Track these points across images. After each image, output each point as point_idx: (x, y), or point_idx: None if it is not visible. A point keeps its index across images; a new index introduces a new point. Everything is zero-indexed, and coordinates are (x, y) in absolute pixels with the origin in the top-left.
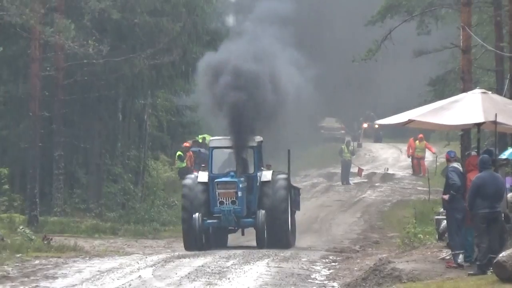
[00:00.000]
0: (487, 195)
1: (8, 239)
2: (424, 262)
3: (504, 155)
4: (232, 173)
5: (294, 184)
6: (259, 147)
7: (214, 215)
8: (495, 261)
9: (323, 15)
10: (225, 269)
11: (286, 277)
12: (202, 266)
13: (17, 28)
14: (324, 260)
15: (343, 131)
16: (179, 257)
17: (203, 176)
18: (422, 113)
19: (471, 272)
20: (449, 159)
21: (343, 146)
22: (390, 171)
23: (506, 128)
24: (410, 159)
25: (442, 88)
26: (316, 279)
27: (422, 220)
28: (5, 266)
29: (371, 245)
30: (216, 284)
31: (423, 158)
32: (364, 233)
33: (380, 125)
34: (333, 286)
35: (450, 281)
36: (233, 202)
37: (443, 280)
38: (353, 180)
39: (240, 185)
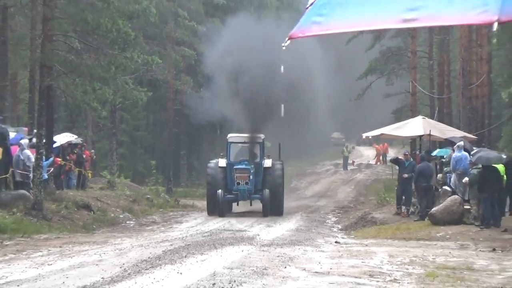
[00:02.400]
0: (425, 175)
1: (155, 201)
2: (389, 214)
3: (433, 153)
4: (245, 162)
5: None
6: (263, 143)
7: (233, 192)
8: (429, 213)
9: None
10: (276, 219)
11: (311, 222)
12: (257, 220)
13: (160, 81)
14: (333, 213)
15: (343, 140)
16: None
17: (222, 163)
18: (388, 129)
19: (416, 219)
20: (405, 155)
21: (344, 148)
22: (370, 162)
23: (435, 138)
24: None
25: (400, 115)
26: (329, 223)
27: (388, 189)
28: (154, 216)
29: (360, 204)
30: (273, 226)
31: (381, 155)
32: (355, 197)
33: (367, 136)
34: (338, 226)
35: (404, 224)
36: (246, 183)
37: (400, 223)
38: (350, 167)
39: (252, 171)
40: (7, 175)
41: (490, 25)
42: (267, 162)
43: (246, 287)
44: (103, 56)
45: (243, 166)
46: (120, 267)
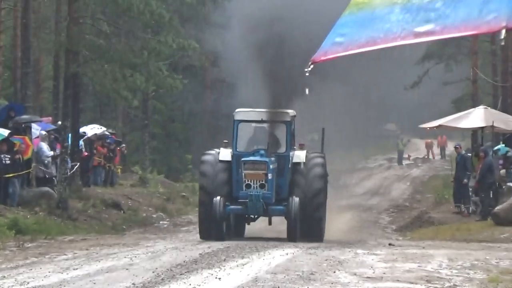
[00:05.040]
0: (492, 171)
1: (191, 199)
2: (448, 213)
3: (497, 148)
4: (261, 151)
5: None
6: (292, 123)
7: (239, 200)
8: (492, 212)
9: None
10: (328, 216)
11: (363, 222)
12: None
13: (197, 68)
14: (386, 212)
15: (398, 132)
16: None
17: (225, 154)
18: (447, 120)
19: (477, 219)
20: (456, 149)
21: (398, 141)
22: (426, 157)
23: (499, 130)
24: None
25: (460, 104)
26: (382, 223)
27: (447, 186)
28: (189, 215)
29: (416, 202)
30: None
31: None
32: (411, 195)
33: (423, 127)
34: (392, 227)
35: (464, 224)
36: (261, 186)
37: (460, 224)
38: (405, 162)
39: (271, 166)
40: (29, 171)
41: (498, 31)
42: (299, 155)
43: None
44: (134, 40)
45: (257, 158)
46: (153, 272)
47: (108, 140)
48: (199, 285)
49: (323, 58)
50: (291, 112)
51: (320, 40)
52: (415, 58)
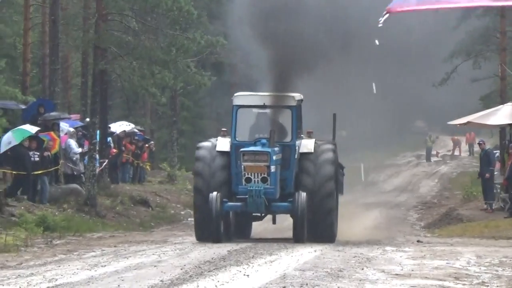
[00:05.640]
0: None
1: None
2: (477, 210)
3: None
4: (263, 141)
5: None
6: (299, 108)
7: (238, 197)
8: None
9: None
10: (356, 213)
11: (391, 219)
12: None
13: (225, 65)
14: (415, 209)
15: (427, 129)
16: None
17: (223, 144)
18: (476, 117)
19: (506, 216)
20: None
21: (427, 137)
22: (455, 154)
23: None
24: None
25: (488, 101)
26: (410, 220)
27: (476, 183)
28: None
29: (444, 199)
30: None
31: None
32: (439, 192)
33: (451, 124)
34: (420, 224)
35: (493, 221)
36: (263, 180)
37: (489, 221)
38: (433, 159)
39: (274, 157)
40: (57, 167)
41: None
42: (306, 144)
43: None
44: (162, 37)
45: (258, 148)
46: (181, 269)
47: (137, 137)
48: (227, 282)
49: (399, 9)
50: (297, 95)
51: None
52: (442, 55)
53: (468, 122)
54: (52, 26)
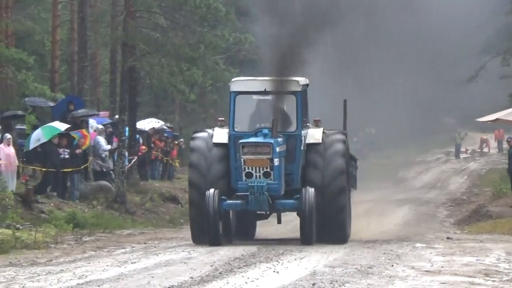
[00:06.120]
0: None
1: None
2: (506, 207)
3: None
4: (265, 131)
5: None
6: (304, 94)
7: (238, 194)
8: None
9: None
10: (386, 210)
11: (420, 215)
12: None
13: (254, 62)
14: (444, 205)
15: (456, 125)
16: None
17: (220, 135)
18: (505, 114)
19: None
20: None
21: (456, 134)
22: (484, 150)
23: None
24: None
25: None
26: (439, 217)
27: (505, 180)
28: None
29: (473, 196)
30: (377, 221)
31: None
32: (469, 189)
33: (480, 121)
34: (450, 221)
35: None
36: (266, 174)
37: None
38: (462, 156)
39: (277, 149)
40: (87, 164)
41: None
42: (313, 134)
43: None
44: (191, 34)
45: (259, 140)
46: (211, 266)
47: (166, 134)
48: (257, 279)
49: None
50: (302, 80)
51: None
52: (471, 53)
53: (497, 119)
54: (81, 23)
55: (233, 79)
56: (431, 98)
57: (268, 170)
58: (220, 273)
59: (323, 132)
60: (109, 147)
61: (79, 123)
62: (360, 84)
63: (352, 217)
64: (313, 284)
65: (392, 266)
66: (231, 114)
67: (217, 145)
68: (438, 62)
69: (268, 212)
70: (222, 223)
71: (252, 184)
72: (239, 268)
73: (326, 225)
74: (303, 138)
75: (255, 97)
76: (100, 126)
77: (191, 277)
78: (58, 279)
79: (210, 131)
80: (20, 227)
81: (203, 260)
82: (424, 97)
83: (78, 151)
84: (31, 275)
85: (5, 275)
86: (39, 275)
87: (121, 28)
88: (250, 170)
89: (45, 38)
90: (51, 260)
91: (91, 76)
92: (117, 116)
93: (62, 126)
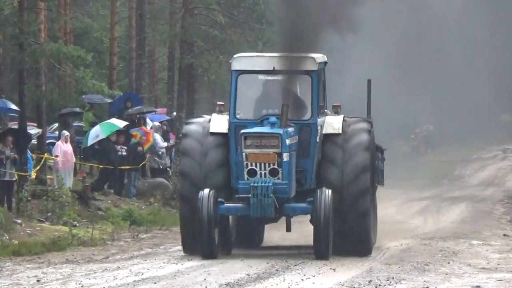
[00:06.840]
0: None
1: None
2: None
3: None
4: (273, 119)
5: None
6: (322, 73)
7: (238, 195)
8: None
9: None
10: (442, 207)
11: (477, 213)
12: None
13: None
14: (501, 202)
15: None
16: None
17: (218, 123)
18: None
19: None
20: None
21: None
22: None
23: None
24: None
25: None
26: (496, 214)
27: None
28: None
29: None
30: (434, 218)
31: None
32: None
33: None
34: (506, 218)
35: None
36: (273, 172)
37: None
38: None
39: (287, 141)
40: (144, 162)
41: None
42: (332, 122)
43: (405, 285)
44: (249, 31)
45: (265, 130)
46: (267, 263)
47: None
48: (314, 276)
49: None
50: (319, 56)
51: None
52: None
53: None
54: (139, 20)
55: (235, 55)
56: (488, 95)
57: (276, 167)
58: (276, 270)
59: (344, 120)
60: (165, 144)
61: (136, 120)
62: (412, 79)
63: (407, 215)
64: (369, 281)
65: (449, 263)
66: (232, 98)
67: (215, 135)
68: (494, 60)
69: (277, 216)
70: (218, 230)
71: (256, 184)
72: (295, 265)
73: (346, 234)
74: (319, 127)
75: (261, 77)
76: (157, 124)
77: (247, 274)
78: (114, 276)
79: (207, 117)
80: (77, 224)
81: (260, 257)
82: (480, 94)
83: (139, 148)
84: (87, 272)
85: (62, 272)
86: (96, 272)
87: (179, 25)
88: (253, 167)
89: (103, 35)
90: (108, 257)
91: (149, 73)
92: (174, 113)
93: (120, 123)
